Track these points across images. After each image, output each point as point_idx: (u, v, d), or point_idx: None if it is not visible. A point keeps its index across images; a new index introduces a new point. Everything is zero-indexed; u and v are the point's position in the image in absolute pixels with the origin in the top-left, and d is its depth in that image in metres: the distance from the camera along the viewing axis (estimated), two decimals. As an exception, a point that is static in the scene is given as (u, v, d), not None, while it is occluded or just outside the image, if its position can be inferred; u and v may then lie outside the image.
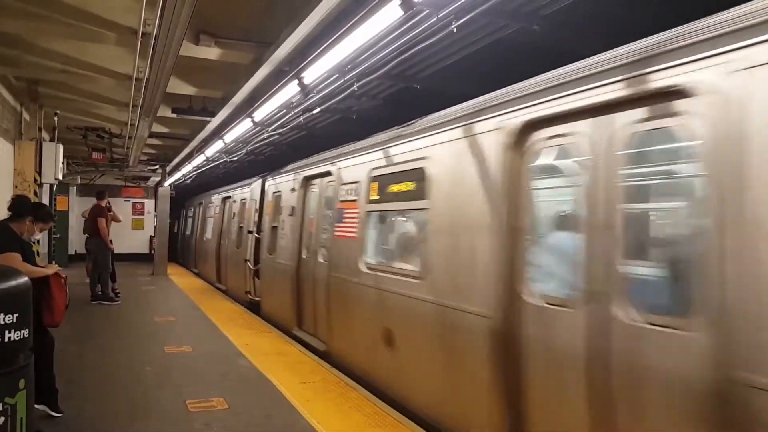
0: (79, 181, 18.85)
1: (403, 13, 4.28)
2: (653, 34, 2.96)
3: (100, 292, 10.43)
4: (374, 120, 7.97)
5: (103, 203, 11.13)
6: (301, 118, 7.93)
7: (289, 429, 4.36)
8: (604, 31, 4.77)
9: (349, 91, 6.49)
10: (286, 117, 8.00)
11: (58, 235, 15.33)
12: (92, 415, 4.60)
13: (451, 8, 4.16)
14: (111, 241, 11.36)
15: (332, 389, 5.32)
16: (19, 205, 4.54)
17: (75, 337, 7.04)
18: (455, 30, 4.43)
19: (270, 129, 8.73)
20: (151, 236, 19.50)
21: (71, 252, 18.18)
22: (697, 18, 2.74)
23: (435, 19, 4.38)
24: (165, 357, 6.54)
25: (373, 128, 6.42)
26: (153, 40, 5.78)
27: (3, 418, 2.75)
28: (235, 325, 8.50)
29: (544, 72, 3.73)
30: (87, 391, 5.18)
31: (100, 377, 5.68)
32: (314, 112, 7.34)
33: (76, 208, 18.77)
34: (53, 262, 9.99)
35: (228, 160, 12.51)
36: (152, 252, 17.23)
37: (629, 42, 3.11)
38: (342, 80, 6.23)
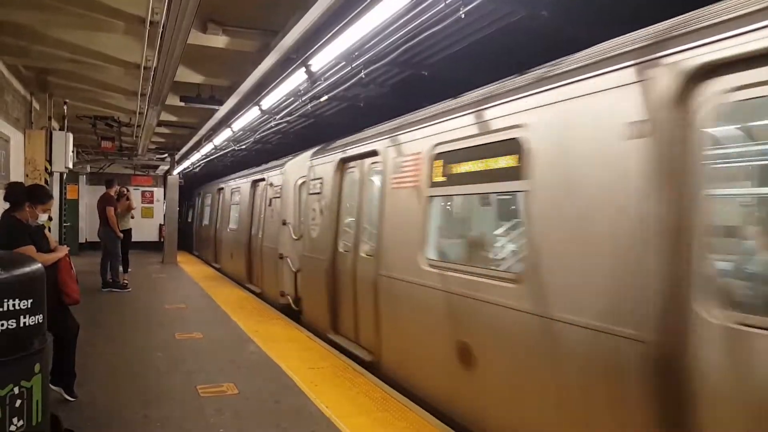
0: (88, 170, 18.99)
1: (410, -2, 4.28)
2: (663, 19, 2.92)
3: (110, 280, 10.56)
4: (382, 108, 7.97)
5: (112, 192, 11.24)
6: (309, 106, 7.94)
7: (299, 413, 4.42)
8: (613, 17, 4.73)
9: (356, 78, 6.48)
10: (294, 105, 8.01)
11: (68, 224, 15.50)
12: (105, 400, 4.68)
13: (460, -7, 4.15)
14: (130, 230, 11.52)
15: (341, 375, 5.38)
16: (12, 194, 4.45)
17: (86, 325, 7.07)
18: (463, 16, 4.41)
19: (277, 117, 8.75)
20: (160, 224, 19.65)
21: (82, 240, 18.38)
22: (709, 3, 2.70)
23: (443, 5, 4.37)
24: (176, 343, 6.62)
25: (381, 116, 6.42)
26: (161, 29, 5.79)
27: (20, 401, 2.82)
28: (245, 312, 8.58)
29: (553, 58, 3.69)
30: (100, 376, 5.27)
31: (112, 363, 5.77)
32: (321, 99, 7.33)
33: (86, 196, 18.96)
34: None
35: (236, 148, 12.54)
36: (162, 240, 17.36)
37: (638, 27, 3.08)
38: (349, 68, 6.23)
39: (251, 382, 5.12)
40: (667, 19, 2.90)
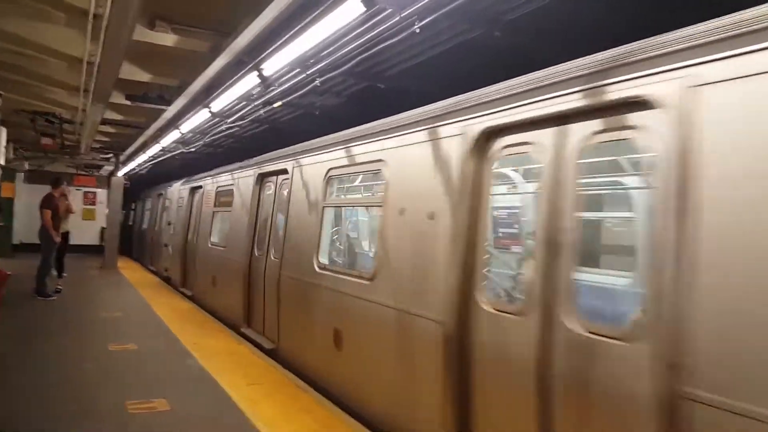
0: (26, 167, 18.03)
1: (365, 9, 4.20)
2: (616, 44, 2.96)
3: (37, 285, 9.89)
4: (338, 117, 7.86)
5: (57, 192, 10.60)
6: (262, 111, 7.75)
7: (234, 433, 4.21)
8: (566, 40, 4.80)
9: (311, 86, 6.37)
10: (246, 109, 7.81)
11: (1, 224, 14.63)
12: (25, 417, 4.34)
13: (414, 8, 4.12)
14: (68, 232, 10.94)
15: (282, 391, 5.18)
16: None
17: (11, 334, 6.69)
18: (418, 30, 4.38)
19: (229, 121, 8.51)
20: (102, 227, 18.85)
21: (16, 242, 17.34)
22: (660, 28, 2.74)
23: (398, 18, 4.33)
24: (108, 355, 6.27)
25: (338, 125, 6.30)
26: (105, 23, 5.52)
27: None
28: (186, 323, 8.24)
29: (509, 75, 3.69)
30: (21, 390, 4.90)
31: (36, 376, 5.38)
32: (275, 105, 7.17)
33: (24, 195, 17.95)
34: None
35: (185, 151, 12.16)
36: (103, 244, 16.64)
37: (589, 52, 3.10)
38: (304, 74, 6.11)
39: (185, 399, 4.86)
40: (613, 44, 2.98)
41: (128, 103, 9.24)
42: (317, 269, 5.58)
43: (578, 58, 3.16)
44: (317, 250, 5.68)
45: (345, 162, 5.43)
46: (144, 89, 8.96)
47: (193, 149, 12.02)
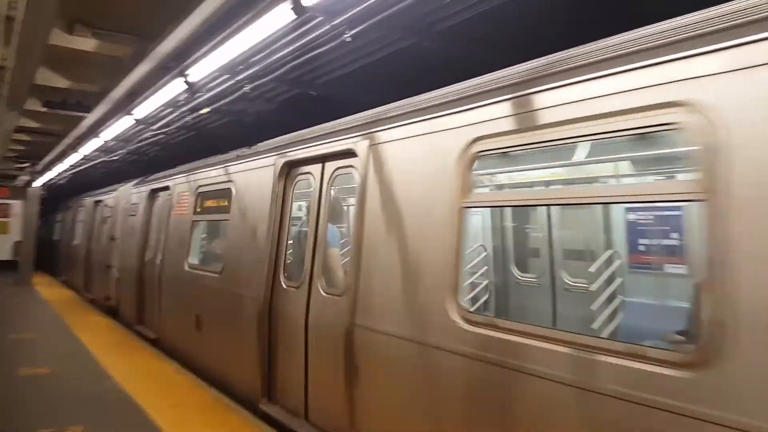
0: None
1: (295, 17, 4.13)
2: (549, 51, 2.99)
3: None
4: (271, 124, 7.70)
5: None
6: (189, 118, 7.49)
7: (156, 459, 3.97)
8: (491, 48, 4.92)
9: (240, 92, 6.20)
10: (172, 116, 7.52)
11: None
12: None
13: (344, 18, 4.10)
14: None
15: (209, 412, 4.94)
16: None
17: None
18: (349, 39, 4.36)
19: (154, 128, 8.16)
20: (16, 241, 17.59)
21: None
22: (595, 38, 2.77)
23: (328, 26, 4.29)
24: (18, 381, 5.80)
25: (272, 132, 6.14)
26: (18, 26, 5.18)
27: None
28: (105, 342, 7.77)
29: (444, 82, 3.66)
30: None
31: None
32: (202, 112, 6.93)
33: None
34: None
35: (107, 159, 11.58)
36: (17, 259, 15.54)
37: (514, 57, 3.14)
38: (233, 81, 5.95)
39: (103, 425, 4.54)
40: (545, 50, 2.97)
41: (45, 110, 8.73)
42: (459, 323, 3.06)
43: (512, 65, 3.15)
44: (454, 287, 3.14)
45: (523, 123, 2.89)
46: (63, 96, 8.48)
47: (116, 157, 11.46)
